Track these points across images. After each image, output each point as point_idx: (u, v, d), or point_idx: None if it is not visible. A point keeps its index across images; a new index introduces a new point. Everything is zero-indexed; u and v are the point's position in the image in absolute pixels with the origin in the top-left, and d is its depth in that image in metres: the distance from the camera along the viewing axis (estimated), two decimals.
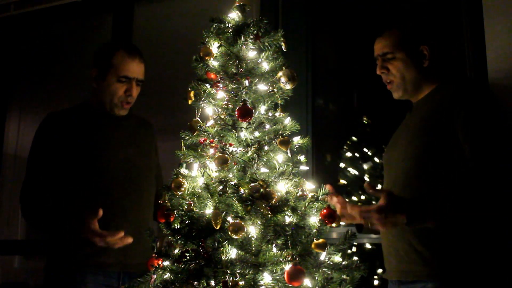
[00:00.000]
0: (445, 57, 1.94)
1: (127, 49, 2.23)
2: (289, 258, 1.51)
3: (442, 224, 1.61)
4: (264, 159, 1.71)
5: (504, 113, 1.73)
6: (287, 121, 1.78)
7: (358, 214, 1.65)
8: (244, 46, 1.80)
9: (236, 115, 1.69)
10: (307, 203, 1.64)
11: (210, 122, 1.79)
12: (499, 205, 1.61)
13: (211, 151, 1.74)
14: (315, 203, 1.65)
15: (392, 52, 1.89)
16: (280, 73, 1.76)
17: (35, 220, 2.13)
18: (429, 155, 1.74)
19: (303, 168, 1.78)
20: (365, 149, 3.82)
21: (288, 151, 1.73)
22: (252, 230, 1.57)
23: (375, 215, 1.57)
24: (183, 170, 1.75)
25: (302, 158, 1.78)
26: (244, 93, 1.76)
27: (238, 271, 1.49)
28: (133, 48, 2.27)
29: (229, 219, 1.57)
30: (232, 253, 1.55)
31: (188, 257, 1.58)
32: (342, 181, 3.71)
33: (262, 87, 1.79)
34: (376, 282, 3.34)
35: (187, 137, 1.77)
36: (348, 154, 3.78)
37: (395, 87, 1.92)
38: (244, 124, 1.74)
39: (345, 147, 3.81)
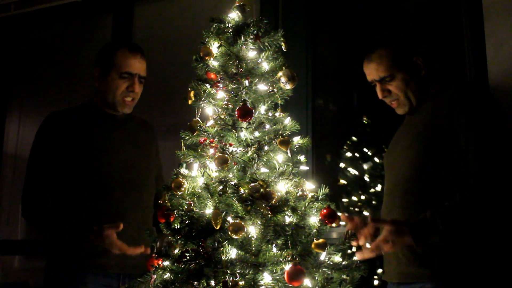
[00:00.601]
0: (440, 59, 1.94)
1: (128, 47, 2.25)
2: (289, 258, 1.51)
3: (448, 235, 1.62)
4: (264, 159, 1.71)
5: (504, 114, 1.73)
6: (287, 121, 1.77)
7: (369, 253, 1.69)
8: (244, 46, 1.80)
9: (236, 115, 1.69)
10: (307, 203, 1.64)
11: (210, 122, 1.79)
12: (501, 207, 1.62)
13: (211, 151, 1.74)
14: (315, 203, 1.65)
15: (390, 75, 1.86)
16: (280, 73, 1.76)
17: (36, 220, 2.13)
18: (429, 159, 1.74)
19: (303, 168, 1.78)
20: (365, 149, 3.80)
21: (288, 151, 1.73)
22: (252, 230, 1.56)
23: (384, 246, 1.63)
24: (183, 170, 1.74)
25: (302, 158, 1.78)
26: (244, 93, 1.76)
27: (238, 271, 1.49)
28: (134, 46, 2.29)
29: (229, 219, 1.57)
30: (232, 253, 1.54)
31: (188, 257, 1.58)
32: (342, 181, 3.71)
33: (262, 87, 1.78)
34: (376, 282, 3.33)
35: (187, 137, 1.77)
36: (348, 154, 3.77)
37: (401, 105, 1.91)
38: (244, 124, 1.73)
39: (345, 147, 3.80)
